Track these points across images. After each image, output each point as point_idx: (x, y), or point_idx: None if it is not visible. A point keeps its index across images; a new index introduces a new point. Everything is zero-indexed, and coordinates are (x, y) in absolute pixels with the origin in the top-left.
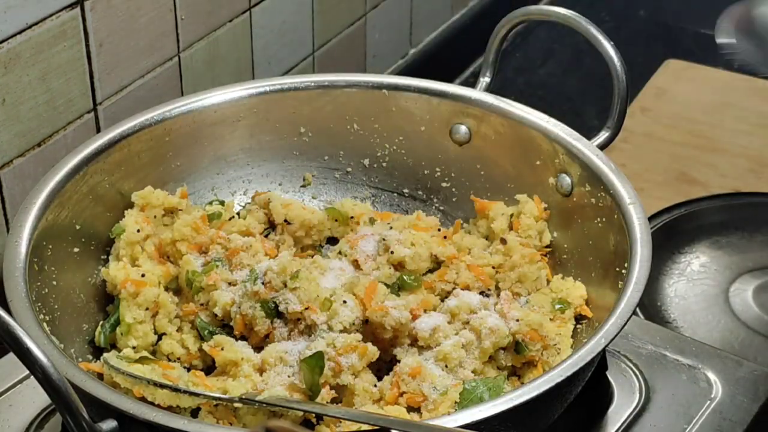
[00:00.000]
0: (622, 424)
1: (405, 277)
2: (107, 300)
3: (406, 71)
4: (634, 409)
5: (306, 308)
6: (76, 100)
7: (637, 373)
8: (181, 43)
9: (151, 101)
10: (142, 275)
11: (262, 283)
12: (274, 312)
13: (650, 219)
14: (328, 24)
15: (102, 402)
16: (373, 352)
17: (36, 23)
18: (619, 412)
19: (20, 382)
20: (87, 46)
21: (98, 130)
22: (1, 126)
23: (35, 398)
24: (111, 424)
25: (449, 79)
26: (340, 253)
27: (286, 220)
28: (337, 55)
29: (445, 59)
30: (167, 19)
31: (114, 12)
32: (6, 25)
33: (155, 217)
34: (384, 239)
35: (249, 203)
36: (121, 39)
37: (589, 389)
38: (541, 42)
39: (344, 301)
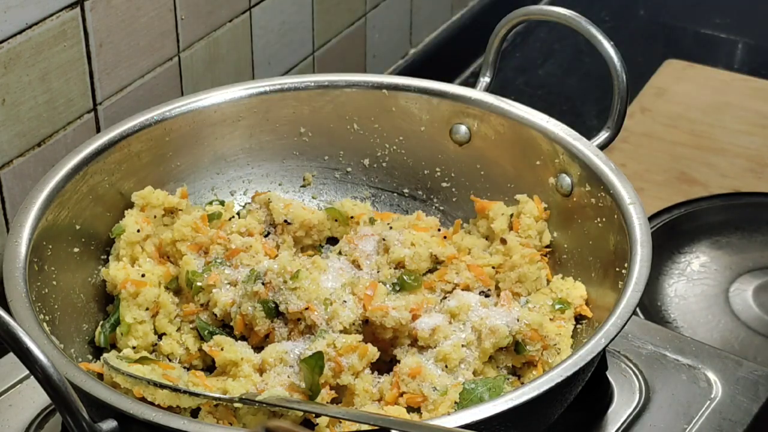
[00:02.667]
0: (622, 424)
1: (405, 277)
2: (107, 300)
3: (406, 71)
4: (634, 409)
5: (306, 308)
6: (76, 100)
7: (637, 373)
8: (181, 43)
9: (151, 101)
10: (142, 275)
11: (262, 283)
12: (274, 312)
13: (650, 219)
14: (328, 24)
15: (102, 402)
16: (373, 352)
17: (36, 23)
18: (619, 412)
19: (20, 382)
20: (87, 46)
21: (98, 130)
22: (1, 126)
23: (35, 398)
24: (111, 424)
25: (449, 79)
26: (340, 253)
27: (286, 220)
28: (337, 55)
29: (445, 59)
30: (167, 19)
31: (114, 12)
32: (6, 25)
33: (155, 217)
34: (384, 239)
35: (249, 203)
36: (121, 39)
37: (589, 389)
38: (541, 42)
39: (344, 301)
